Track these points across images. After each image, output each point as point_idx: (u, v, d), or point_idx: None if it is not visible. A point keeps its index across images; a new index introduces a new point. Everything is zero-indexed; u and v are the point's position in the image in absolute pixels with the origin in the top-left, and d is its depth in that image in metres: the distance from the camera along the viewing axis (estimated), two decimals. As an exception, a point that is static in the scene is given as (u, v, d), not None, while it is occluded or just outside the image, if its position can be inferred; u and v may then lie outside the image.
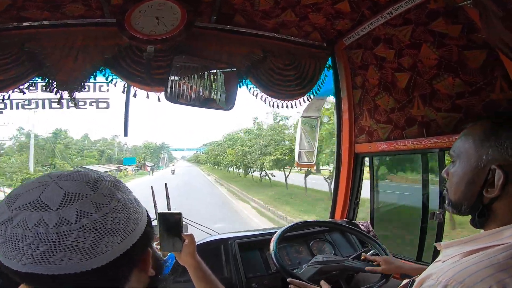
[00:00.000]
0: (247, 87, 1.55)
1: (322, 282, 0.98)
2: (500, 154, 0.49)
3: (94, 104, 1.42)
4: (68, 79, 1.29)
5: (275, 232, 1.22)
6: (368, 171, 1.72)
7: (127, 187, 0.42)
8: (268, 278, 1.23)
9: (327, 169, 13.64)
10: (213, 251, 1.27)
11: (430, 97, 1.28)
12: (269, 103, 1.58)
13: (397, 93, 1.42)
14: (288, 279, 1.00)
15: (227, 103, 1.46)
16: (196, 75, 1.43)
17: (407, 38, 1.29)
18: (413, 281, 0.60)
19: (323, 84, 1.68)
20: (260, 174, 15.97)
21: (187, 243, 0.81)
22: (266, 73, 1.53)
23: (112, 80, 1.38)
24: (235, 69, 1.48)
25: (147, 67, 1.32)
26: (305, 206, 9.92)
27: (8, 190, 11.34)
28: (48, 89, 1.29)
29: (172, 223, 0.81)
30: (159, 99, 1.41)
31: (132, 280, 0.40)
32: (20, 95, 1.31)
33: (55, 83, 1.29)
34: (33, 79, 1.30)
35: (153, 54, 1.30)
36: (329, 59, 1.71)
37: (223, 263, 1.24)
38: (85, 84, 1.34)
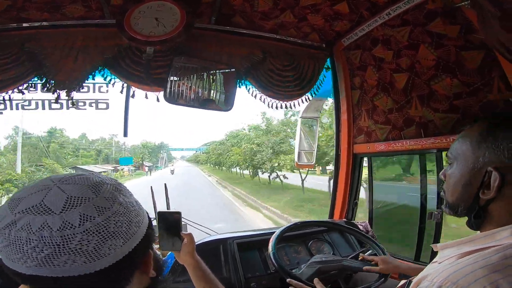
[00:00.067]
0: (246, 87, 1.56)
1: (316, 281, 0.97)
2: (497, 156, 0.49)
3: (93, 104, 1.42)
4: (66, 79, 1.30)
5: (274, 232, 1.23)
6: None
7: (128, 190, 0.43)
8: (267, 278, 1.24)
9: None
10: (212, 251, 1.28)
11: (428, 98, 1.28)
12: (268, 104, 1.59)
13: (395, 94, 1.42)
14: (288, 280, 1.00)
15: (226, 104, 1.47)
16: (195, 76, 1.43)
17: (405, 39, 1.30)
18: (410, 281, 0.61)
19: (322, 85, 1.68)
20: (269, 176, 13.74)
21: (186, 242, 0.81)
22: (265, 74, 1.53)
23: (110, 80, 1.39)
24: (234, 70, 1.48)
25: (146, 67, 1.33)
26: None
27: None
28: (45, 88, 1.29)
29: (171, 222, 0.81)
30: (158, 99, 1.41)
31: (133, 282, 0.41)
32: (20, 96, 1.32)
33: (53, 82, 1.29)
34: (33, 80, 1.30)
35: (152, 55, 1.30)
36: (328, 60, 1.72)
37: (222, 263, 1.25)
38: (83, 84, 1.34)
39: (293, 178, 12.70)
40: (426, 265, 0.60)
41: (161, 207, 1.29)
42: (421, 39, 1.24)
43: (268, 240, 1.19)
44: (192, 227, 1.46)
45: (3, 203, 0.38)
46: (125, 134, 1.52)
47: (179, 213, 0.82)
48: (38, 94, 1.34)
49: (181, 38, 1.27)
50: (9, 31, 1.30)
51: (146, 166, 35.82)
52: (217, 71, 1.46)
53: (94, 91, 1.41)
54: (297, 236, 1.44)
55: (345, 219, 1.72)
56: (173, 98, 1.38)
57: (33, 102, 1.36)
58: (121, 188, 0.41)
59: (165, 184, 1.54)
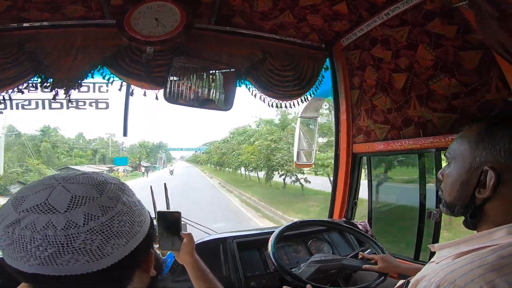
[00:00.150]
0: (246, 86, 1.56)
1: (308, 287, 0.98)
2: (493, 156, 0.50)
3: (93, 104, 1.42)
4: (64, 77, 1.30)
5: (273, 231, 1.23)
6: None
7: (131, 189, 0.43)
8: (266, 277, 1.24)
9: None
10: (212, 250, 1.28)
11: (426, 98, 1.29)
12: (268, 103, 1.59)
13: (394, 94, 1.43)
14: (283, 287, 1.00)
15: (226, 104, 1.47)
16: (195, 76, 1.44)
17: (404, 39, 1.31)
18: (408, 282, 0.61)
19: (321, 85, 1.69)
20: (284, 179, 11.48)
21: (186, 242, 0.82)
22: (265, 74, 1.54)
23: (109, 79, 1.39)
24: (233, 70, 1.49)
25: (146, 66, 1.33)
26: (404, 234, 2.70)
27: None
28: (44, 86, 1.29)
29: (171, 222, 0.81)
30: (157, 97, 1.42)
31: (134, 281, 0.41)
32: (20, 95, 1.32)
33: (51, 80, 1.29)
34: (33, 79, 1.30)
35: (152, 55, 1.31)
36: (327, 60, 1.72)
37: (222, 262, 1.25)
38: (82, 82, 1.34)
39: (316, 182, 10.57)
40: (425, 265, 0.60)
41: (161, 207, 1.29)
42: (419, 39, 1.25)
43: (267, 239, 1.19)
44: (192, 226, 1.47)
45: None
46: (125, 133, 1.52)
47: (178, 213, 0.82)
48: (38, 94, 1.34)
49: (181, 38, 1.27)
50: (9, 31, 1.31)
51: (144, 166, 34.71)
52: (217, 71, 1.47)
53: (94, 91, 1.41)
54: (296, 235, 1.44)
55: (344, 219, 1.73)
56: (173, 98, 1.39)
57: (33, 102, 1.36)
58: (124, 188, 0.41)
59: (164, 184, 1.54)
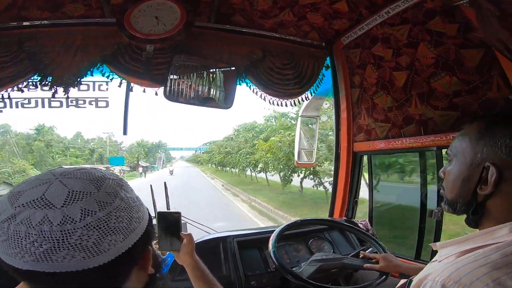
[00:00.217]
0: (247, 85, 1.56)
1: None
2: (494, 152, 0.49)
3: (93, 103, 1.42)
4: (63, 75, 1.30)
5: (274, 230, 1.23)
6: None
7: (129, 185, 0.43)
8: (267, 276, 1.23)
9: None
10: (212, 249, 1.27)
11: (427, 96, 1.29)
12: (269, 101, 1.59)
13: (395, 92, 1.43)
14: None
15: (226, 102, 1.47)
16: (195, 74, 1.44)
17: (405, 37, 1.31)
18: (411, 281, 0.61)
19: (321, 84, 1.69)
20: (301, 182, 9.97)
21: (186, 242, 0.81)
22: (265, 72, 1.54)
23: (108, 76, 1.39)
24: (234, 68, 1.49)
25: (146, 64, 1.33)
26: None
27: None
28: (43, 84, 1.29)
29: (171, 223, 0.81)
30: (156, 94, 1.41)
31: (132, 279, 0.40)
32: (20, 94, 1.32)
33: (50, 78, 1.29)
34: (32, 78, 1.30)
35: (152, 53, 1.30)
36: (328, 58, 1.72)
37: (222, 261, 1.24)
38: (82, 80, 1.34)
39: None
40: (427, 264, 0.60)
41: (160, 207, 1.29)
42: (420, 38, 1.25)
43: (268, 238, 1.19)
44: (192, 225, 1.46)
45: None
46: (125, 132, 1.52)
47: (178, 213, 0.82)
48: (38, 92, 1.33)
49: (181, 37, 1.27)
50: (10, 30, 1.30)
51: (142, 166, 33.67)
52: (217, 69, 1.47)
53: (94, 89, 1.41)
54: (297, 234, 1.44)
55: (345, 218, 1.72)
56: (173, 96, 1.39)
57: (32, 100, 1.36)
58: (122, 184, 0.41)
59: (164, 183, 1.54)
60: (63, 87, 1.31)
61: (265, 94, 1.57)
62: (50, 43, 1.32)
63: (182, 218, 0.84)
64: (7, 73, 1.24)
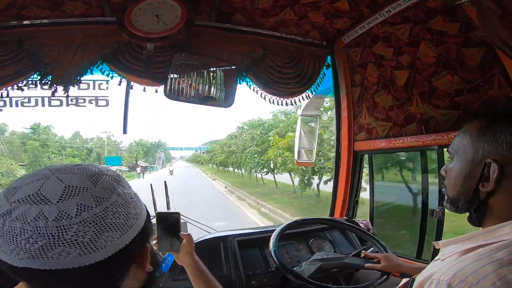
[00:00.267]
0: (247, 84, 1.56)
1: None
2: (495, 149, 0.49)
3: (93, 101, 1.41)
4: (63, 73, 1.30)
5: (275, 230, 1.22)
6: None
7: (127, 182, 0.42)
8: (267, 276, 1.23)
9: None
10: (212, 249, 1.27)
11: (428, 95, 1.28)
12: (269, 100, 1.59)
13: (396, 91, 1.42)
14: None
15: (226, 101, 1.47)
16: (195, 73, 1.43)
17: (406, 36, 1.30)
18: (413, 280, 0.60)
19: (322, 82, 1.69)
20: (318, 184, 9.00)
21: (185, 242, 0.81)
22: (266, 71, 1.54)
23: (109, 74, 1.39)
24: (234, 67, 1.48)
25: (146, 63, 1.33)
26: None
27: None
28: (43, 83, 1.29)
29: (170, 223, 0.81)
30: (156, 91, 1.41)
31: (129, 276, 0.40)
32: (20, 93, 1.31)
33: (50, 76, 1.29)
34: (32, 77, 1.30)
35: (152, 52, 1.30)
36: (328, 57, 1.72)
37: (223, 261, 1.24)
38: (82, 79, 1.33)
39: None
40: (428, 264, 0.59)
41: (160, 206, 1.28)
42: (421, 36, 1.24)
43: (268, 237, 1.19)
44: (192, 225, 1.46)
45: None
46: (125, 131, 1.51)
47: (178, 214, 0.82)
48: (38, 91, 1.33)
49: (181, 35, 1.27)
50: (10, 29, 1.30)
51: (141, 166, 32.79)
52: (218, 68, 1.47)
53: (94, 88, 1.41)
54: (298, 234, 1.43)
55: (345, 217, 1.72)
56: (173, 95, 1.38)
57: (32, 99, 1.35)
58: (120, 180, 0.40)
59: (165, 182, 1.54)
60: (63, 86, 1.31)
61: (265, 93, 1.57)
62: (50, 41, 1.32)
63: (182, 217, 0.84)
64: (7, 71, 1.23)
